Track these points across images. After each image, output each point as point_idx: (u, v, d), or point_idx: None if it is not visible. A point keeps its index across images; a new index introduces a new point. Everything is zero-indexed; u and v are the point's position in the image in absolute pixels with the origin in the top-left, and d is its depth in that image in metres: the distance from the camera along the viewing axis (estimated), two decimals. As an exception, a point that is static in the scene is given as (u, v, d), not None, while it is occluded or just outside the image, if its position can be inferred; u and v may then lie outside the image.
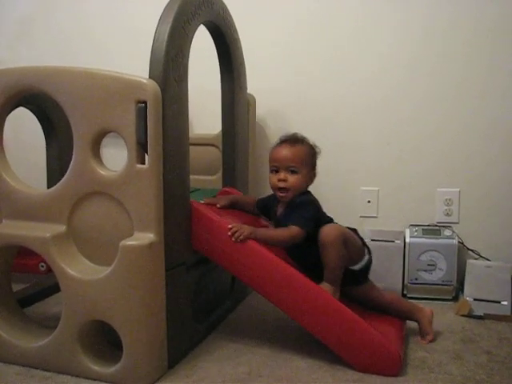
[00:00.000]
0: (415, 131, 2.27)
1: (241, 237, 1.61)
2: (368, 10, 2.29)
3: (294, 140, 1.77)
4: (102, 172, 1.51)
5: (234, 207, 1.88)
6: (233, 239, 1.61)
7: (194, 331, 1.73)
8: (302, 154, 1.74)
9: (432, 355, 1.67)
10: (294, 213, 1.70)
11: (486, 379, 1.52)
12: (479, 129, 2.20)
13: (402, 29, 2.25)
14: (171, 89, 1.51)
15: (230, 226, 1.63)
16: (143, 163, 1.48)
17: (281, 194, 1.74)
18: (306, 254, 1.72)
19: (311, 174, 1.77)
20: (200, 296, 1.79)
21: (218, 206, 1.82)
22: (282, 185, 1.73)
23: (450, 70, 2.21)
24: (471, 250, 2.23)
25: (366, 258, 1.77)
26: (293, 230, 1.66)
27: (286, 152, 1.74)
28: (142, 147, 1.47)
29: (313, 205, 1.73)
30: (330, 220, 1.77)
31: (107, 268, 1.48)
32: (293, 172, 1.73)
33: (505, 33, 2.14)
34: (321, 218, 1.73)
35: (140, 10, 2.51)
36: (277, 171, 1.75)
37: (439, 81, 2.23)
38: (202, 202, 1.79)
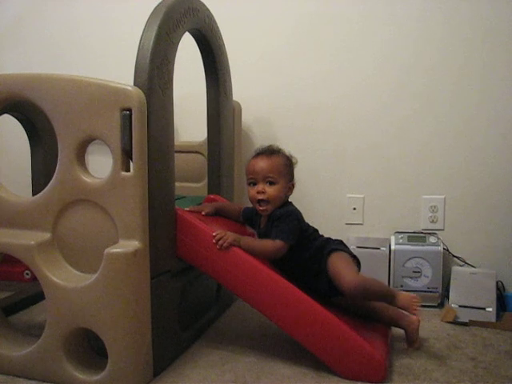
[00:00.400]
0: (401, 139, 2.28)
1: (225, 244, 1.61)
2: (355, 17, 2.30)
3: (270, 151, 1.77)
4: (87, 179, 1.51)
5: (219, 215, 1.87)
6: (217, 246, 1.61)
7: (179, 339, 1.72)
8: (278, 165, 1.74)
9: (417, 361, 1.68)
10: (276, 226, 1.70)
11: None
12: (464, 137, 2.22)
13: (391, 33, 2.27)
14: (156, 96, 1.51)
15: (214, 234, 1.63)
16: (128, 171, 1.48)
17: (261, 208, 1.74)
18: (291, 265, 1.73)
19: (289, 184, 1.77)
20: (185, 303, 1.78)
21: (203, 213, 1.81)
22: (260, 196, 1.72)
23: (438, 80, 2.23)
24: (456, 257, 2.24)
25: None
26: (276, 244, 1.67)
27: (262, 163, 1.73)
28: (126, 155, 1.46)
29: (293, 216, 1.72)
30: (314, 231, 1.79)
31: (92, 276, 1.47)
32: (271, 183, 1.73)
33: (499, 42, 2.16)
34: (304, 229, 1.75)
35: (127, 16, 2.51)
36: (255, 184, 1.74)
37: (427, 90, 2.25)
38: (187, 209, 1.79)
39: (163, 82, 1.55)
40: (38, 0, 2.69)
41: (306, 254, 1.73)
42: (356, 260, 1.77)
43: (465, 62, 2.19)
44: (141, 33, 1.54)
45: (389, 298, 1.68)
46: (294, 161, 1.81)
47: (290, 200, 1.81)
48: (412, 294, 1.68)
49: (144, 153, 1.47)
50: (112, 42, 2.56)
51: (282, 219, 1.70)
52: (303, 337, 1.61)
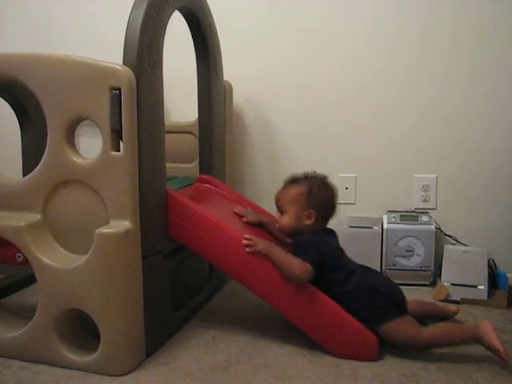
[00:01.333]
0: (393, 118, 2.28)
1: (251, 249, 1.60)
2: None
3: (290, 181, 1.77)
4: (77, 160, 1.50)
5: (261, 226, 1.85)
6: (246, 249, 1.60)
7: (171, 319, 1.73)
8: (290, 194, 1.73)
9: (409, 339, 1.69)
10: (300, 252, 1.62)
11: (461, 362, 1.55)
12: (456, 116, 2.21)
13: (379, 13, 2.25)
14: (146, 75, 1.50)
15: (246, 236, 1.61)
16: (118, 150, 1.46)
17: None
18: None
19: (306, 213, 1.70)
20: (178, 283, 1.78)
21: (245, 220, 1.82)
22: (276, 225, 1.76)
23: (431, 57, 2.22)
24: (448, 236, 2.24)
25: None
26: (306, 267, 1.57)
27: (278, 193, 1.77)
28: (116, 134, 1.45)
29: (310, 246, 1.63)
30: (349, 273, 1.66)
31: (83, 256, 1.47)
32: (282, 212, 1.74)
33: (489, 26, 2.15)
34: (327, 263, 1.64)
35: (107, 9, 2.49)
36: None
37: (419, 69, 2.23)
38: (236, 210, 1.84)
39: (152, 60, 1.53)
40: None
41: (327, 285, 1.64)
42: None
43: (455, 41, 2.18)
44: (127, 13, 1.51)
45: (470, 339, 1.57)
46: (316, 189, 1.72)
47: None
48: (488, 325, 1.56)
49: (134, 132, 1.46)
50: (101, 21, 2.53)
51: (302, 247, 1.64)
52: (296, 316, 1.61)
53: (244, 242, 1.60)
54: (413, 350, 1.58)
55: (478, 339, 1.54)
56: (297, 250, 1.65)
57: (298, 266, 1.58)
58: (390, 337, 1.58)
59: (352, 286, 1.62)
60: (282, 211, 1.74)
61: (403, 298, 1.66)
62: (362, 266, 1.72)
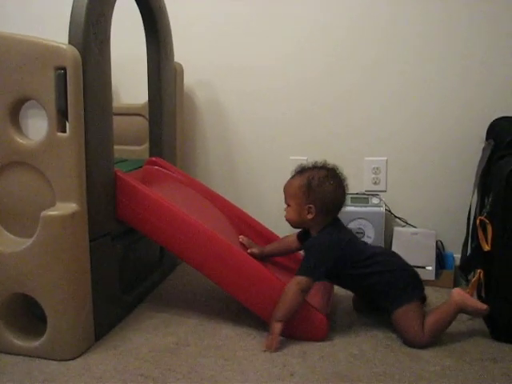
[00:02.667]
0: (343, 101, 2.28)
1: (272, 349, 1.53)
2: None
3: (296, 172, 1.72)
4: (22, 141, 1.46)
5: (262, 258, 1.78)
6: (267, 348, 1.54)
7: (121, 302, 1.71)
8: (292, 187, 1.68)
9: (359, 319, 1.72)
10: (303, 259, 1.62)
11: (408, 340, 1.57)
12: (405, 99, 2.23)
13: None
14: (92, 55, 1.47)
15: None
16: (64, 131, 1.43)
17: None
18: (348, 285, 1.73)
19: (305, 207, 1.65)
20: (127, 266, 1.76)
21: (249, 251, 1.75)
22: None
23: (379, 44, 2.22)
24: (398, 218, 2.27)
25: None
26: (300, 283, 1.55)
27: (285, 185, 1.72)
28: (62, 115, 1.42)
29: (319, 250, 1.61)
30: (368, 258, 1.66)
31: (29, 240, 1.44)
32: (288, 205, 1.70)
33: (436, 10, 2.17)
34: (341, 258, 1.63)
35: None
36: None
37: (371, 55, 2.23)
38: (240, 239, 1.80)
39: (99, 40, 1.50)
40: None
41: (353, 277, 1.66)
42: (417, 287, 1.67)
43: (406, 27, 2.19)
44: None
45: (457, 314, 1.61)
46: (314, 182, 1.65)
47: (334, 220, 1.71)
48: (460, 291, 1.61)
49: (80, 113, 1.43)
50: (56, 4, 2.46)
51: (308, 251, 1.64)
52: (246, 297, 1.61)
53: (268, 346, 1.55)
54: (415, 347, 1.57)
55: (461, 310, 1.59)
56: (304, 257, 1.63)
57: (295, 292, 1.55)
58: (399, 323, 1.58)
59: (374, 268, 1.63)
60: (286, 204, 1.70)
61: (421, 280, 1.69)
62: (379, 247, 1.76)
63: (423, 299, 1.68)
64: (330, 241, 1.63)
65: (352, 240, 1.69)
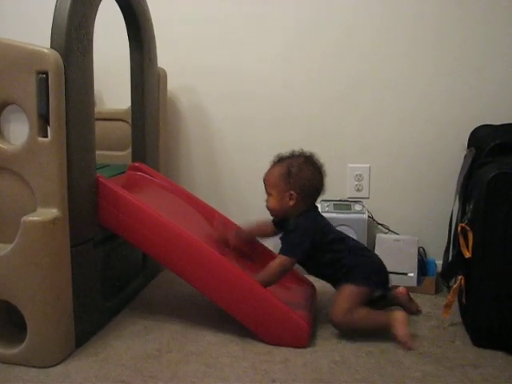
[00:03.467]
0: (327, 108, 2.29)
1: None
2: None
3: (274, 161, 1.77)
4: (2, 145, 1.45)
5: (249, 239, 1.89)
6: None
7: (102, 309, 1.70)
8: (272, 176, 1.73)
9: (340, 326, 1.72)
10: (284, 239, 1.71)
11: (389, 347, 1.58)
12: (389, 106, 2.24)
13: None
14: (74, 59, 1.46)
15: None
16: (45, 136, 1.42)
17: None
18: (314, 268, 1.77)
19: (286, 194, 1.71)
20: (109, 273, 1.75)
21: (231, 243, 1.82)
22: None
23: (366, 48, 2.23)
24: (381, 225, 2.28)
25: (382, 289, 1.75)
26: (281, 261, 1.65)
27: (265, 175, 1.76)
28: (43, 120, 1.41)
29: (300, 231, 1.69)
30: (335, 240, 1.74)
31: (9, 245, 1.42)
32: (268, 194, 1.74)
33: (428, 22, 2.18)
34: (317, 240, 1.69)
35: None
36: None
37: (357, 62, 2.24)
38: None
39: (82, 44, 1.49)
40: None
41: (323, 259, 1.71)
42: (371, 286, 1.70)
43: (393, 35, 2.21)
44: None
45: (383, 329, 1.63)
46: (294, 169, 1.71)
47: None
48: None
49: (62, 118, 1.42)
50: (28, 3, 2.45)
51: (290, 232, 1.70)
52: (228, 304, 1.61)
53: None
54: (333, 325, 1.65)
55: (388, 327, 1.61)
56: (283, 237, 1.70)
57: (275, 266, 1.65)
58: (338, 295, 1.66)
59: (347, 252, 1.71)
60: (267, 193, 1.74)
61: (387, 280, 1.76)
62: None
63: (381, 298, 1.74)
64: (311, 222, 1.71)
65: (329, 225, 1.77)
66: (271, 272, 1.65)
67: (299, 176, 1.71)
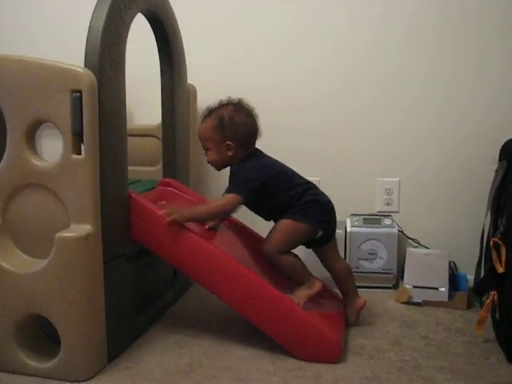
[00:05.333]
0: (356, 122, 2.29)
1: (171, 216, 1.61)
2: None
3: (205, 114, 1.77)
4: (37, 163, 1.47)
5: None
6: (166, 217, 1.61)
7: (134, 323, 1.71)
8: (204, 131, 1.74)
9: (371, 341, 1.70)
10: (229, 182, 1.71)
11: (422, 363, 1.56)
12: (418, 120, 2.24)
13: (355, 12, 2.25)
14: (107, 78, 1.49)
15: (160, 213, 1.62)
16: (79, 154, 1.45)
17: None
18: (261, 211, 1.79)
19: (224, 145, 1.72)
20: (141, 287, 1.76)
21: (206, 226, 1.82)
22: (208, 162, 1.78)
23: (395, 64, 2.24)
24: (411, 239, 2.27)
25: (323, 228, 1.77)
26: (225, 199, 1.66)
27: (198, 130, 1.77)
28: (77, 137, 1.44)
29: (242, 171, 1.71)
30: (287, 182, 1.75)
31: (43, 261, 1.44)
32: (206, 149, 1.75)
33: (471, 34, 2.18)
34: (263, 180, 1.70)
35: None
36: None
37: (387, 76, 2.25)
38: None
39: (114, 63, 1.52)
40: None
41: (272, 201, 1.73)
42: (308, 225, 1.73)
43: (420, 47, 2.21)
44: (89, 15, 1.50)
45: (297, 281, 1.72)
46: (226, 119, 1.72)
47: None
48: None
49: (95, 135, 1.44)
50: (60, 26, 2.50)
51: (232, 175, 1.72)
52: (259, 319, 1.61)
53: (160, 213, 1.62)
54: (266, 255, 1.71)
55: (301, 284, 1.70)
56: (230, 178, 1.71)
57: (217, 203, 1.68)
58: (279, 227, 1.70)
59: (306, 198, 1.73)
60: (206, 148, 1.75)
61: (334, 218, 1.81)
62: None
63: (324, 239, 1.79)
64: (255, 164, 1.72)
65: (275, 163, 1.78)
66: (212, 209, 1.69)
67: (232, 125, 1.71)
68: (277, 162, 1.79)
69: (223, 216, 1.74)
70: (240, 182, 1.67)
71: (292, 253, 1.73)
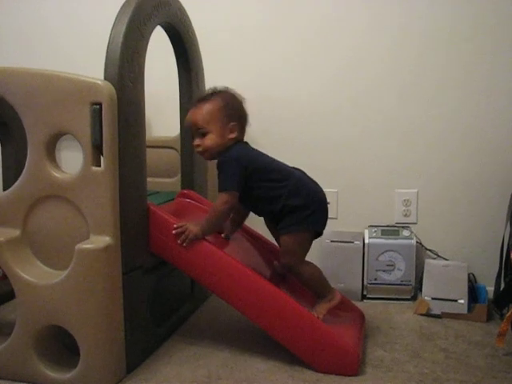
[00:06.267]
0: (374, 133, 2.29)
1: (186, 240, 1.61)
2: (334, 3, 2.28)
3: (200, 100, 1.74)
4: (57, 175, 1.49)
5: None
6: (178, 241, 1.61)
7: (152, 334, 1.71)
8: (206, 113, 1.69)
9: (390, 354, 1.69)
10: (218, 178, 1.68)
11: (442, 376, 1.55)
12: (436, 132, 2.23)
13: (373, 23, 2.26)
14: (127, 90, 1.50)
15: (175, 225, 1.62)
16: (99, 166, 1.46)
17: (201, 155, 1.75)
18: (256, 207, 1.77)
19: (229, 126, 1.70)
20: (159, 299, 1.77)
21: (223, 235, 1.84)
22: (197, 150, 1.73)
23: (413, 76, 2.24)
24: (429, 250, 2.26)
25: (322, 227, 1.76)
26: (222, 198, 1.65)
27: (192, 116, 1.72)
28: (97, 149, 1.45)
29: (227, 164, 1.67)
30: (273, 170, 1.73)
31: (63, 272, 1.46)
32: (203, 134, 1.70)
33: (486, 45, 2.18)
34: (249, 169, 1.68)
35: (97, 10, 2.48)
36: (193, 137, 1.74)
37: (405, 86, 2.25)
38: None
39: (134, 75, 1.53)
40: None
41: (258, 192, 1.71)
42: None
43: (445, 57, 2.20)
44: (111, 26, 1.52)
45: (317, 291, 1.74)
46: (233, 101, 1.74)
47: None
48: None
49: (115, 147, 1.46)
50: (80, 38, 2.53)
51: (220, 169, 1.68)
52: (277, 331, 1.61)
53: (174, 231, 1.61)
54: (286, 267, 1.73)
55: (321, 295, 1.71)
56: (219, 171, 1.68)
57: (218, 206, 1.65)
58: (284, 240, 1.69)
59: (285, 190, 1.69)
60: (203, 133, 1.69)
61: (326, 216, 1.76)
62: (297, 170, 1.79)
63: (318, 234, 1.76)
64: (238, 153, 1.69)
65: (260, 155, 1.76)
66: (217, 211, 1.65)
67: (235, 107, 1.73)
68: (263, 154, 1.77)
69: (229, 213, 1.71)
70: (226, 178, 1.66)
71: (312, 263, 1.73)
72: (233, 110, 1.72)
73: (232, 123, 1.71)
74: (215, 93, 1.74)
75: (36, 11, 2.60)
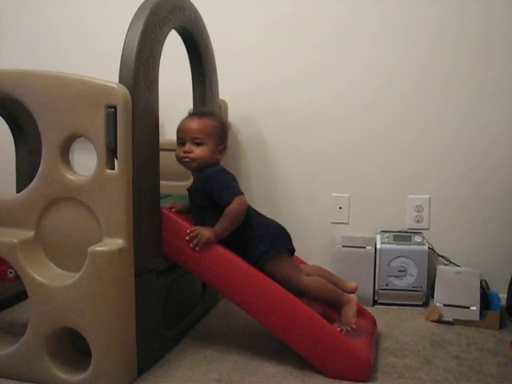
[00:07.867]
0: (387, 139, 2.29)
1: (199, 244, 1.61)
2: (344, 13, 2.29)
3: (201, 113, 1.77)
4: (71, 177, 1.50)
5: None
6: (191, 245, 1.62)
7: (164, 337, 1.72)
8: (207, 127, 1.72)
9: (402, 360, 1.68)
10: (217, 187, 1.67)
11: (458, 379, 1.54)
12: (449, 137, 2.23)
13: (382, 32, 2.26)
14: (141, 94, 1.51)
15: (188, 231, 1.63)
16: (113, 168, 1.47)
17: (185, 161, 1.73)
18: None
19: (219, 147, 1.75)
20: (170, 302, 1.77)
21: (174, 210, 1.77)
22: (186, 155, 1.72)
23: (426, 81, 2.24)
24: (441, 256, 2.25)
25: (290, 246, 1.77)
26: (236, 201, 1.65)
27: (192, 124, 1.73)
28: (111, 152, 1.46)
29: (222, 174, 1.72)
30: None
31: (76, 274, 1.46)
32: (198, 144, 1.71)
33: (491, 52, 2.18)
34: None
35: (110, 15, 2.49)
36: (183, 144, 1.73)
37: (415, 92, 2.25)
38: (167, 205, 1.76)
39: (148, 79, 1.54)
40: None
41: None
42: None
43: (454, 62, 2.20)
44: (123, 31, 1.52)
45: (336, 302, 1.73)
46: (227, 125, 1.83)
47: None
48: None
49: (129, 150, 1.46)
50: (95, 42, 2.53)
51: (216, 180, 1.69)
52: (288, 336, 1.61)
53: (187, 237, 1.62)
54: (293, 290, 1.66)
55: (339, 305, 1.71)
56: (217, 180, 1.68)
57: (233, 209, 1.65)
58: (273, 272, 1.66)
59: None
60: (198, 143, 1.71)
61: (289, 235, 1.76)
62: None
63: (292, 252, 1.77)
64: (224, 169, 1.75)
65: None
66: (233, 215, 1.65)
67: (227, 133, 1.80)
68: None
69: (243, 216, 1.69)
70: (230, 185, 1.69)
71: (311, 275, 1.74)
72: (225, 134, 1.79)
73: (222, 145, 1.76)
74: (209, 113, 1.80)
75: (40, 16, 2.62)
